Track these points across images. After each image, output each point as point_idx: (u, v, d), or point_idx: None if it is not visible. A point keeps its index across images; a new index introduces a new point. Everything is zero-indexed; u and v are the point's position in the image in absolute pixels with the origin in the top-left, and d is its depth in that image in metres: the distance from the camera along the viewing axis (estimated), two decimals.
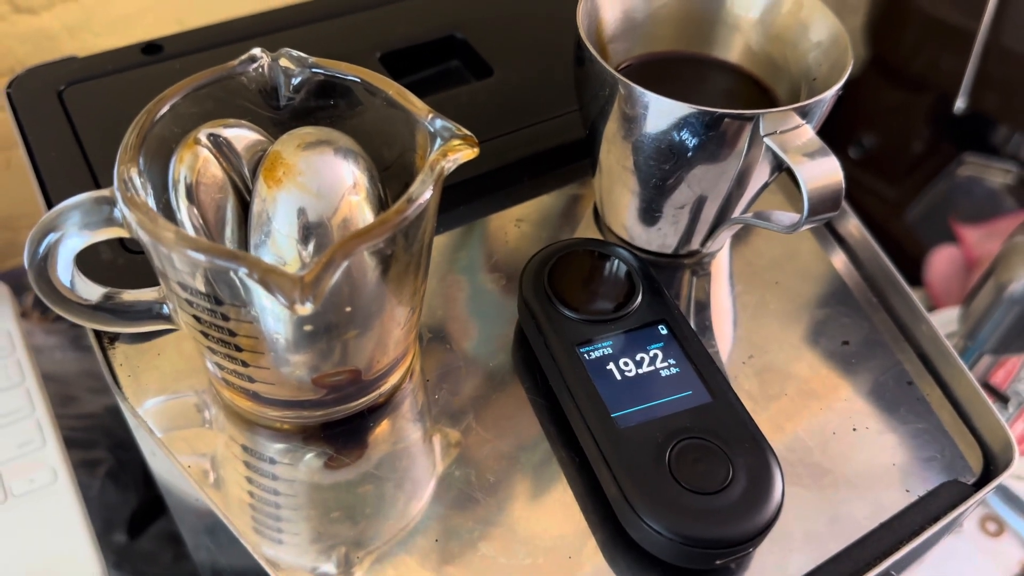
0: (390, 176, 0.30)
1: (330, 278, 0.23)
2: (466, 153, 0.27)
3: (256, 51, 0.29)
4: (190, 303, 0.27)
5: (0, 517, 0.39)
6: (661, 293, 0.34)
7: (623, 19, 0.38)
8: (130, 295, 0.31)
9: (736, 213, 0.36)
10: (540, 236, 0.40)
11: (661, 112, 0.32)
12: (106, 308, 0.30)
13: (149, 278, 0.31)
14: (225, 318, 0.27)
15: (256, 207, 0.28)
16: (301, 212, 0.27)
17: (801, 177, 0.31)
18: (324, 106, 0.31)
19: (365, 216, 0.28)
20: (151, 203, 0.26)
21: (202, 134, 0.28)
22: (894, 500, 0.33)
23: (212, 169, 0.28)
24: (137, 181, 0.26)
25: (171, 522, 0.56)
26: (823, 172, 0.31)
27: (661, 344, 0.33)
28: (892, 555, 0.31)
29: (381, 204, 0.29)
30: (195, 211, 0.28)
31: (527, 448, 0.33)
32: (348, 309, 0.27)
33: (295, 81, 0.30)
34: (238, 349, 0.28)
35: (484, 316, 0.37)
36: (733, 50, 0.39)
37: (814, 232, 0.42)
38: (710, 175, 0.33)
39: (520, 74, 0.45)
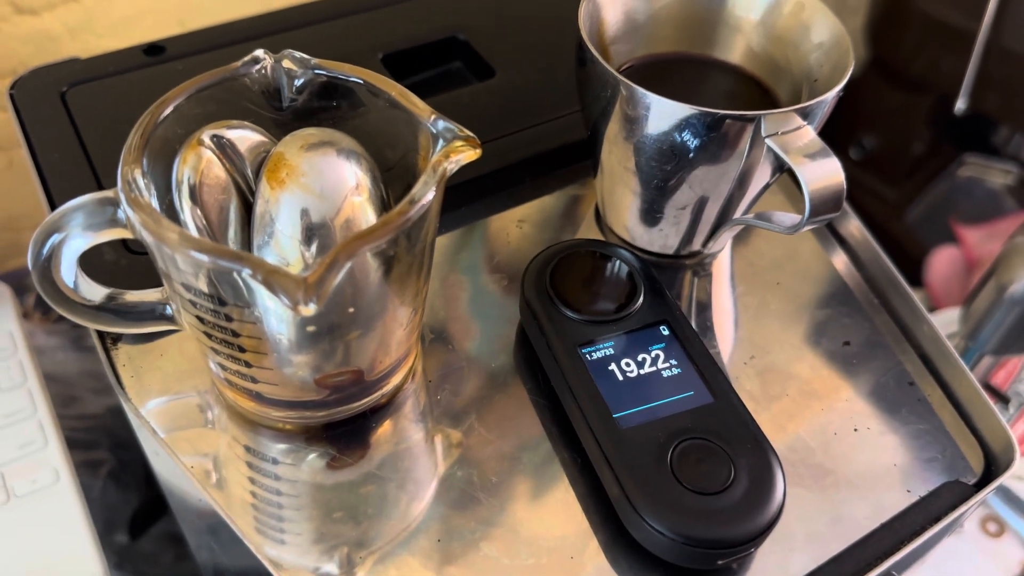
0: (392, 177, 0.30)
1: (333, 279, 0.24)
2: (468, 154, 0.27)
3: (259, 52, 0.30)
4: (193, 304, 0.27)
5: (2, 517, 0.39)
6: (663, 294, 0.34)
7: (625, 20, 0.38)
8: (133, 296, 0.31)
9: (737, 214, 0.36)
10: (542, 237, 0.40)
11: (663, 113, 0.32)
12: (109, 309, 0.30)
13: (152, 279, 0.32)
14: (228, 319, 0.27)
15: (259, 208, 0.28)
16: (304, 213, 0.27)
17: (802, 178, 0.31)
18: (327, 107, 0.31)
19: (368, 217, 0.28)
20: (155, 204, 0.26)
21: (205, 135, 0.28)
22: (895, 500, 0.33)
23: (215, 170, 0.28)
24: (141, 182, 0.26)
25: (172, 522, 0.56)
26: (824, 173, 0.31)
27: (663, 345, 0.33)
28: (893, 555, 0.31)
29: (384, 205, 0.29)
30: (198, 212, 0.28)
31: (529, 448, 0.33)
32: (351, 310, 0.27)
33: (298, 82, 0.30)
34: (241, 350, 0.28)
35: (486, 317, 0.37)
36: (734, 51, 0.39)
37: (815, 233, 0.42)
38: (711, 176, 0.33)
39: (522, 75, 0.45)
